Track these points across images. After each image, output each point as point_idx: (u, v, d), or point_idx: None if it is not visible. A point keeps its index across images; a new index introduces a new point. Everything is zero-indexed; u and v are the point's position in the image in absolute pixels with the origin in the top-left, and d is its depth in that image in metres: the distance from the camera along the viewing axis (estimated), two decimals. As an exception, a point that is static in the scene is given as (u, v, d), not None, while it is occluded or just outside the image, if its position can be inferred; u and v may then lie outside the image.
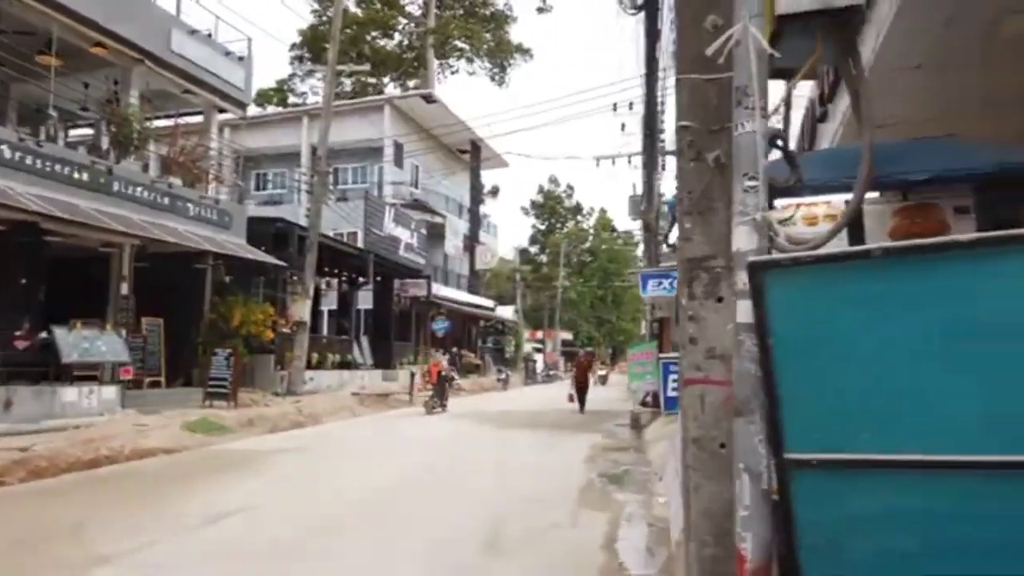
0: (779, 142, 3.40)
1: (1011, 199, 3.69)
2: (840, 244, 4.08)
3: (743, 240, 2.38)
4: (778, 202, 3.83)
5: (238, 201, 20.88)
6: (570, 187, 64.28)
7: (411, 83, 43.57)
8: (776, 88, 3.53)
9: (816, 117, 8.76)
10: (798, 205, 3.74)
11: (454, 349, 32.04)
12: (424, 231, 35.04)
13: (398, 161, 35.06)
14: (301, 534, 6.47)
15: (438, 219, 37.89)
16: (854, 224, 4.10)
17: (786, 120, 14.41)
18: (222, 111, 20.43)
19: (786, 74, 3.32)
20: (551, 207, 63.59)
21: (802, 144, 9.42)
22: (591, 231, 64.57)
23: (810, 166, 3.82)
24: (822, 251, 2.36)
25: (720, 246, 3.18)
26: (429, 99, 35.39)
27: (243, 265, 18.66)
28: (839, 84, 7.41)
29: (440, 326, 33.11)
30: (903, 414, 2.17)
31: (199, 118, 20.36)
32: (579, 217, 65.05)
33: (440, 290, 35.51)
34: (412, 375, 23.66)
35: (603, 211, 64.60)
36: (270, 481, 9.36)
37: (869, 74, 6.03)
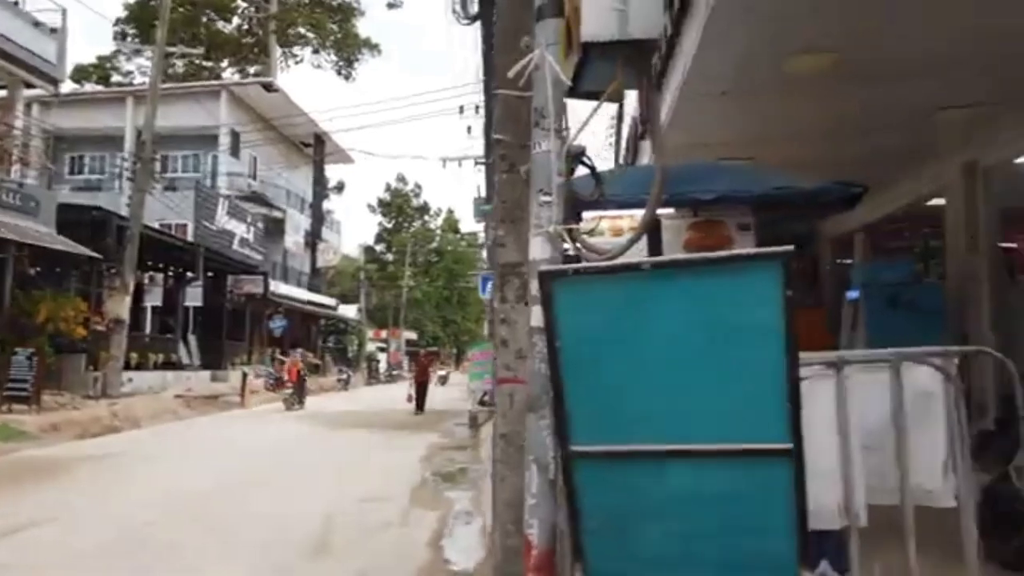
0: (585, 159, 3.68)
1: (783, 219, 4.20)
2: (642, 254, 4.46)
3: (538, 250, 2.58)
4: (586, 214, 4.13)
5: (47, 186, 19.05)
6: (418, 186, 63.97)
7: (251, 70, 41.58)
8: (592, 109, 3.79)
9: (638, 135, 9.38)
10: (600, 218, 4.06)
11: (300, 350, 30.93)
12: (262, 225, 33.60)
13: (234, 151, 33.38)
14: (108, 544, 6.08)
15: (277, 213, 36.47)
16: (653, 236, 4.50)
17: (617, 136, 15.28)
18: (30, 86, 18.52)
19: (594, 96, 3.60)
20: (398, 206, 62.98)
21: (627, 159, 10.05)
22: (438, 231, 64.66)
23: (615, 183, 4.15)
24: (610, 262, 2.61)
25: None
26: (270, 88, 33.98)
27: (52, 256, 17.03)
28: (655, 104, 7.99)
29: (277, 325, 31.91)
30: (668, 409, 2.45)
31: (2, 93, 18.34)
32: (426, 217, 64.90)
33: (279, 287, 34.18)
34: (244, 376, 22.63)
35: (450, 212, 64.90)
36: (76, 489, 8.67)
37: (681, 98, 6.58)
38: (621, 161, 11.73)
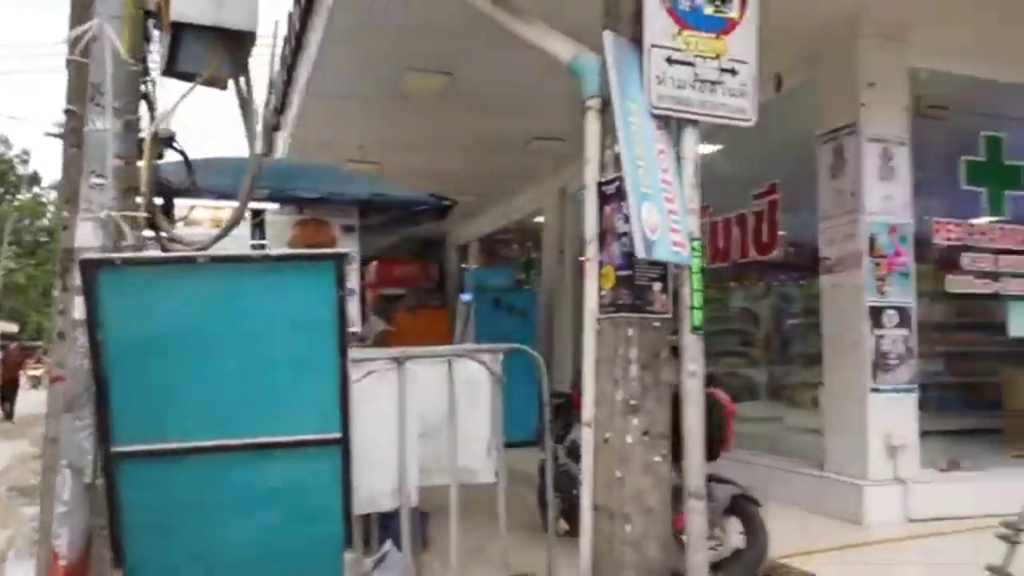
0: (175, 144, 3.51)
1: (382, 223, 4.46)
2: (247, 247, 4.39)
3: (87, 236, 2.39)
4: (179, 202, 3.93)
5: None
6: (26, 152, 53.90)
7: None
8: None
9: (274, 125, 9.19)
10: (194, 207, 3.91)
11: None
12: None
13: None
14: None
15: None
16: (259, 230, 4.46)
17: (263, 125, 14.75)
18: None
19: (192, 78, 3.43)
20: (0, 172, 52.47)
21: (265, 150, 9.76)
22: (51, 206, 55.33)
23: (216, 172, 4.01)
24: (160, 254, 2.52)
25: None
26: None
27: None
28: (288, 96, 7.91)
29: None
30: (225, 404, 2.45)
31: None
32: (37, 189, 55.08)
33: None
34: None
35: (68, 185, 55.93)
36: None
37: (307, 96, 6.60)
38: (259, 151, 11.33)
